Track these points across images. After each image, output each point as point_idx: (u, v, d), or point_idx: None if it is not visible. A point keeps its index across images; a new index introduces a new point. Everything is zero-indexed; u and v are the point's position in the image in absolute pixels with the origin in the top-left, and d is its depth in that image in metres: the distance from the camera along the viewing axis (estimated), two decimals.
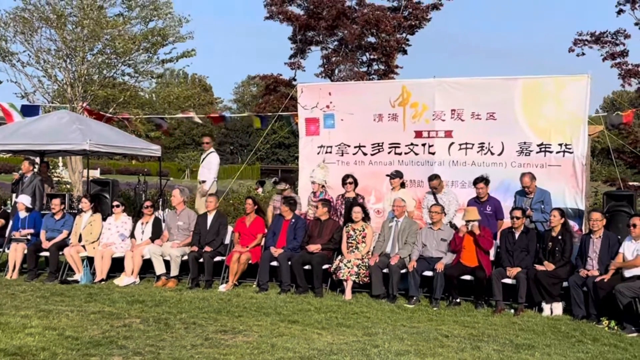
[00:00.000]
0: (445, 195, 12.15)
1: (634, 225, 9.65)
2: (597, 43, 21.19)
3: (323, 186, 12.95)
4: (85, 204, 12.99)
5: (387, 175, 12.53)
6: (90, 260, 12.40)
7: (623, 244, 9.87)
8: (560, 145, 12.45)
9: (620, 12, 20.83)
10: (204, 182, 14.35)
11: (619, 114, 16.10)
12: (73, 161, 23.73)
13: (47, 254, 12.62)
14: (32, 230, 12.99)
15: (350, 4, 27.63)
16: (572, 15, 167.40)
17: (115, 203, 13.09)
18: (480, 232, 10.72)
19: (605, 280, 9.57)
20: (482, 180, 11.75)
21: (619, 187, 16.57)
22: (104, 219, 12.95)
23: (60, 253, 12.54)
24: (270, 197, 19.29)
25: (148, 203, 13.07)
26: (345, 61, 27.27)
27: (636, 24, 20.62)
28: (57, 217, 13.03)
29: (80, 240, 12.71)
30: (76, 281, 12.07)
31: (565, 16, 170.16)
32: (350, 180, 12.53)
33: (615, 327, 9.19)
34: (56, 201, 13.10)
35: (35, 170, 14.87)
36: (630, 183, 21.55)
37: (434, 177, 12.19)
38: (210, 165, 14.46)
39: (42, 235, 12.90)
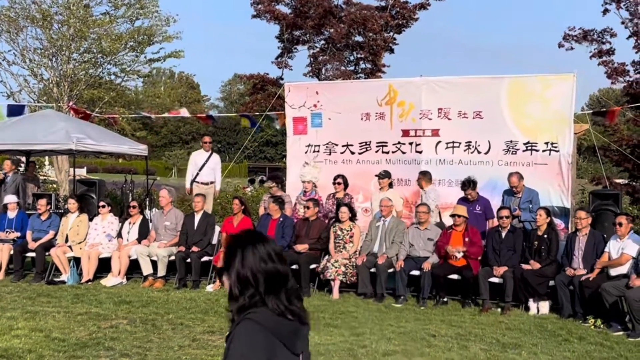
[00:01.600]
0: (425, 193, 12.16)
1: (620, 224, 9.70)
2: (585, 40, 21.24)
3: (315, 185, 12.95)
4: (72, 205, 12.92)
5: (376, 176, 12.53)
6: (77, 261, 12.35)
7: (609, 242, 9.92)
8: (547, 143, 12.48)
9: (605, 11, 20.90)
10: (212, 182, 14.22)
11: (604, 111, 16.15)
12: (59, 160, 23.61)
13: (33, 254, 12.55)
14: (18, 234, 12.94)
15: (337, 3, 27.59)
16: (558, 14, 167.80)
17: (101, 203, 13.03)
18: (466, 245, 10.77)
19: (591, 279, 9.63)
20: (469, 185, 11.67)
21: (604, 185, 16.64)
22: (90, 219, 12.90)
23: (47, 253, 12.48)
24: (259, 196, 19.28)
25: (133, 203, 13.03)
26: (332, 60, 27.17)
27: (622, 23, 20.68)
28: (43, 217, 12.96)
29: (66, 240, 12.65)
30: (63, 282, 12.02)
31: (552, 14, 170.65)
32: (339, 180, 12.53)
33: (602, 326, 9.24)
34: (42, 201, 13.03)
35: (18, 169, 14.78)
36: (616, 180, 21.60)
37: (425, 173, 12.31)
38: (216, 165, 14.32)
39: (29, 235, 12.83)
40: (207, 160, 14.21)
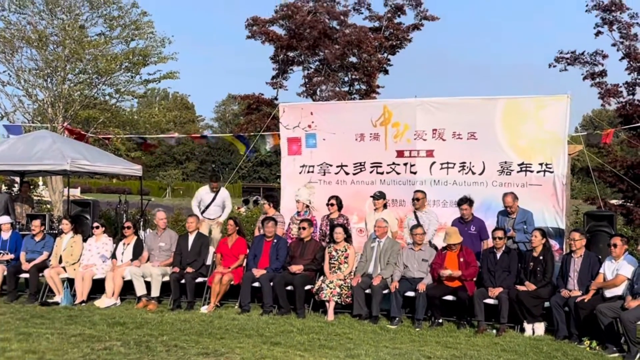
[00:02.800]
0: (426, 215, 12.15)
1: (615, 245, 9.70)
2: (576, 62, 21.37)
3: (307, 206, 12.94)
4: (66, 225, 12.88)
5: (371, 196, 12.52)
6: (70, 282, 12.29)
7: (603, 264, 9.91)
8: (541, 164, 12.53)
9: (598, 33, 21.04)
10: (219, 217, 14.17)
11: (598, 133, 16.23)
12: (53, 181, 23.56)
13: (27, 275, 12.52)
14: (12, 256, 12.89)
15: (332, 25, 27.70)
16: (551, 34, 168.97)
17: (95, 224, 12.99)
18: (461, 266, 10.76)
19: (586, 300, 9.61)
20: (466, 201, 11.78)
21: (599, 206, 16.67)
22: (84, 240, 12.86)
23: (41, 274, 12.43)
24: (253, 217, 19.26)
25: (128, 224, 13.00)
26: (327, 81, 27.27)
27: (613, 45, 20.83)
28: (37, 238, 12.92)
29: (60, 261, 12.59)
30: (56, 303, 11.96)
31: (545, 35, 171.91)
32: (332, 201, 12.53)
33: (597, 347, 9.22)
34: (36, 222, 13.00)
35: (12, 189, 14.76)
36: (611, 201, 21.65)
37: (419, 192, 12.28)
38: (224, 201, 14.19)
39: (22, 256, 12.78)
40: (213, 200, 14.13)
